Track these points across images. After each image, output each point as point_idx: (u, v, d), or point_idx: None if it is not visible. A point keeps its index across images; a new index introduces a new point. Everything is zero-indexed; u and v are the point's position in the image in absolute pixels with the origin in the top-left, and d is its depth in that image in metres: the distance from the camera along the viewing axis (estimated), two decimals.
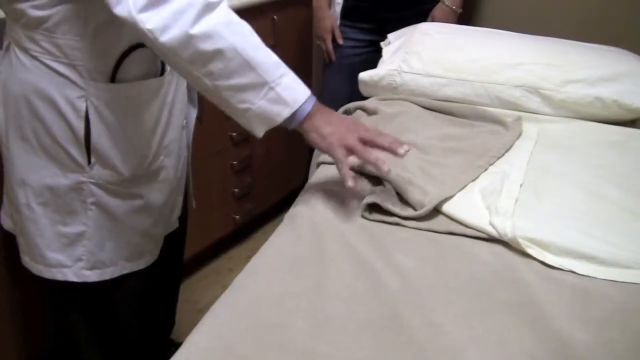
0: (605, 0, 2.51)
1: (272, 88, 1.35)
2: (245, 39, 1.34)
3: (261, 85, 1.34)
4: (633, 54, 2.18)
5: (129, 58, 1.49)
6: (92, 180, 1.52)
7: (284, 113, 1.37)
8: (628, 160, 1.73)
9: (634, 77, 1.99)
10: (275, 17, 2.71)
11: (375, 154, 1.41)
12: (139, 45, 1.48)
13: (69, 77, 1.44)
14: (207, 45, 1.30)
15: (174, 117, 1.65)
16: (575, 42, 2.23)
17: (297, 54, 2.98)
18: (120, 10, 1.29)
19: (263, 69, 1.34)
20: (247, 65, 1.33)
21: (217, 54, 1.31)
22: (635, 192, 1.56)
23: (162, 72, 1.56)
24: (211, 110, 2.52)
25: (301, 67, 3.01)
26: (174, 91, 1.63)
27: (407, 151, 1.42)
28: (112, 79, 1.48)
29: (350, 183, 1.39)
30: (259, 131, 1.40)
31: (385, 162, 1.41)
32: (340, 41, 2.61)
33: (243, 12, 2.59)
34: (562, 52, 2.09)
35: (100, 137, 1.49)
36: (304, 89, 1.39)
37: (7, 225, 1.67)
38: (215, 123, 2.53)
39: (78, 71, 1.44)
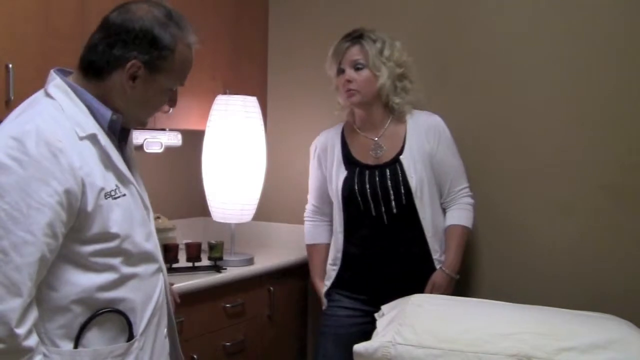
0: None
1: None
2: None
3: None
4: (622, 319, 2.21)
5: (94, 323, 1.49)
6: None
7: None
8: None
9: (626, 344, 2.00)
10: (271, 288, 2.79)
11: None
12: (105, 310, 1.50)
13: None
14: None
15: None
16: (565, 310, 2.28)
17: (292, 323, 3.01)
18: None
19: None
20: None
21: None
22: None
23: (131, 336, 1.56)
24: None
25: (296, 335, 3.04)
26: (149, 356, 1.61)
27: None
28: (76, 344, 1.48)
29: None
30: None
31: None
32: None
33: (241, 283, 2.69)
34: (553, 320, 2.13)
35: None
36: None
37: None
38: None
39: (40, 338, 1.44)
